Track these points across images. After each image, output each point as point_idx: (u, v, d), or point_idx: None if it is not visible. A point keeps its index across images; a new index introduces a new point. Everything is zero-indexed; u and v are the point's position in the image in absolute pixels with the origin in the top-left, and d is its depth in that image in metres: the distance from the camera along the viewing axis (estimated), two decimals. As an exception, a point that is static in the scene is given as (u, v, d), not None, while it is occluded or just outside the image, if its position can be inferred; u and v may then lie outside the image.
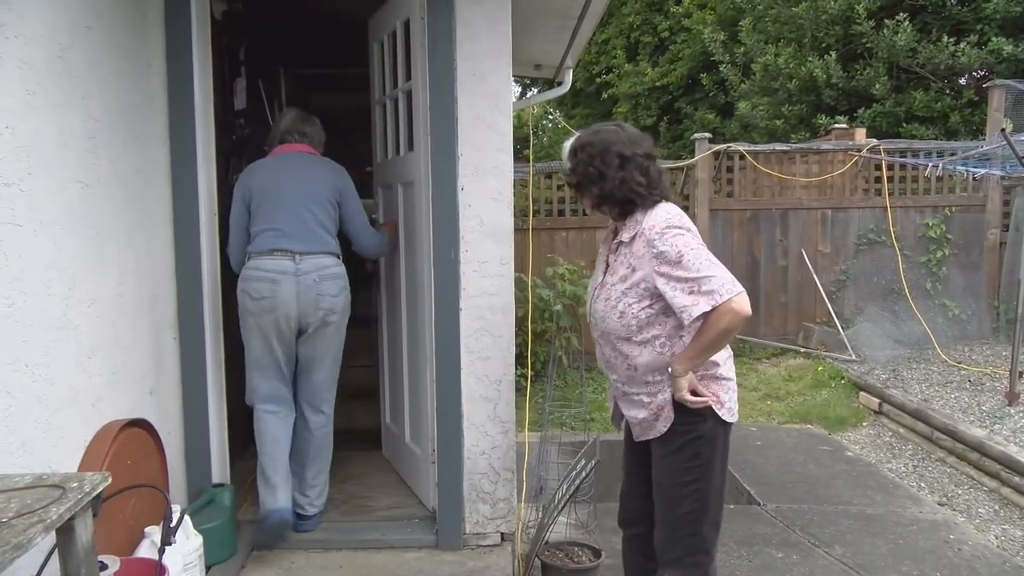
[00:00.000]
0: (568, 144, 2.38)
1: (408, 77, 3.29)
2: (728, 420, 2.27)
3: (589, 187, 2.30)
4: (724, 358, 2.31)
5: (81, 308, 2.35)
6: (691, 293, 2.11)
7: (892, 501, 4.16)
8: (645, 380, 2.29)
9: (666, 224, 2.19)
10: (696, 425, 2.24)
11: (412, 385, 3.54)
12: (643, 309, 2.23)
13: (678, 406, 2.23)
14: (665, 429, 2.28)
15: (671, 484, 2.29)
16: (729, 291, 2.09)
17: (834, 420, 5.80)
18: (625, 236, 2.29)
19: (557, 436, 3.55)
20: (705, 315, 2.11)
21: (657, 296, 2.20)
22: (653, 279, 2.18)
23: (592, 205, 2.36)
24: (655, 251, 2.17)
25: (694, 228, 2.24)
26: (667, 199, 2.31)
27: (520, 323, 3.24)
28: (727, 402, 2.27)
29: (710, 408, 2.23)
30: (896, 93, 9.62)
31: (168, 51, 2.95)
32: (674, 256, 2.13)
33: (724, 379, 2.29)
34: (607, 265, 2.37)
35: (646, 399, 2.30)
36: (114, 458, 2.35)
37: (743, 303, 2.10)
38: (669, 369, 2.22)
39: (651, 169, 2.28)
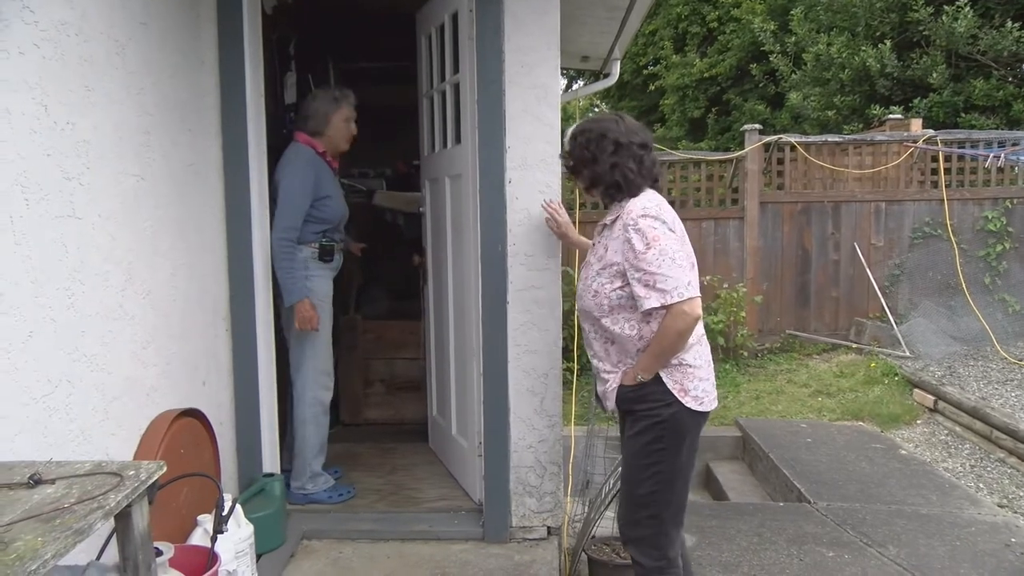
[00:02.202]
0: (570, 131, 2.52)
1: (456, 70, 3.29)
2: (694, 408, 2.31)
3: (582, 169, 2.44)
4: (690, 344, 2.33)
5: (137, 299, 2.40)
6: (646, 286, 2.22)
7: (948, 501, 4.05)
8: (616, 360, 2.39)
9: (642, 212, 2.28)
10: (659, 410, 2.30)
11: (459, 378, 3.55)
12: (614, 290, 2.32)
13: (644, 391, 2.31)
14: (615, 396, 2.40)
15: (632, 464, 2.39)
16: (680, 294, 2.18)
17: (887, 417, 5.66)
18: (608, 219, 2.40)
19: (603, 430, 3.53)
20: (660, 315, 2.23)
21: (627, 278, 2.29)
22: (623, 262, 2.28)
23: (584, 188, 2.49)
24: (627, 235, 2.27)
25: (671, 219, 2.31)
26: (657, 189, 2.42)
27: (566, 317, 3.23)
28: (692, 390, 2.31)
29: (673, 395, 2.29)
30: (954, 82, 9.34)
31: (220, 47, 2.99)
32: (641, 246, 2.22)
33: (689, 366, 2.32)
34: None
35: (612, 379, 2.40)
36: (168, 447, 2.40)
37: (693, 307, 2.19)
38: (637, 374, 2.31)
39: (645, 159, 2.38)
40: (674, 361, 2.30)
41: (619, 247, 2.30)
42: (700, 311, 2.21)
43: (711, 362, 2.43)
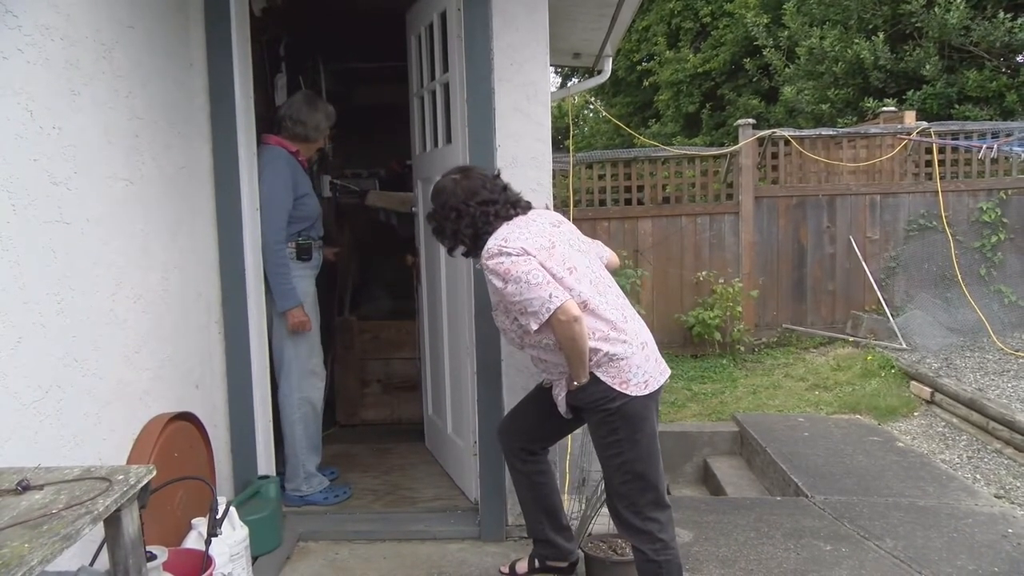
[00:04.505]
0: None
1: (445, 69, 3.28)
2: (638, 394, 2.37)
3: (440, 238, 2.65)
4: (609, 338, 2.38)
5: (128, 303, 2.40)
6: (522, 314, 2.38)
7: (946, 493, 4.05)
8: (555, 372, 2.53)
9: (487, 256, 2.42)
10: (605, 404, 2.39)
11: (453, 377, 3.54)
12: (512, 324, 2.52)
13: (588, 392, 2.40)
14: (565, 402, 2.53)
15: (600, 456, 2.51)
16: (548, 309, 2.29)
17: (884, 410, 5.66)
18: (478, 265, 2.56)
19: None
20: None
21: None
22: (501, 301, 2.49)
23: (448, 250, 2.68)
24: (489, 279, 2.45)
25: (518, 246, 2.39)
26: (509, 218, 2.53)
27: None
28: (632, 379, 2.38)
29: (615, 390, 2.36)
30: (948, 73, 9.33)
31: (208, 49, 2.99)
32: (500, 284, 2.38)
33: (621, 359, 2.38)
34: None
35: (559, 387, 2.56)
36: (161, 450, 2.40)
37: (565, 311, 2.29)
38: (573, 381, 2.44)
39: (478, 218, 2.51)
40: (603, 359, 2.37)
41: (491, 289, 2.50)
42: (575, 311, 2.30)
43: (646, 342, 2.48)
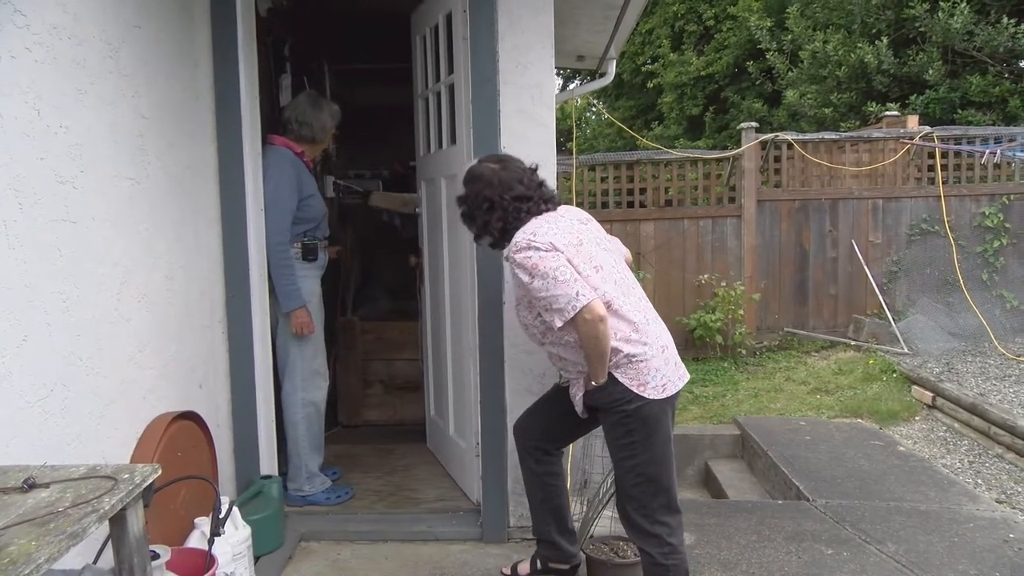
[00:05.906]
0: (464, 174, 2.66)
1: (450, 70, 3.29)
2: (655, 397, 2.36)
3: (468, 223, 2.62)
4: (630, 339, 2.37)
5: (132, 303, 2.40)
6: (547, 310, 2.36)
7: (947, 498, 4.05)
8: (574, 371, 2.52)
9: (515, 248, 2.40)
10: (622, 406, 2.38)
11: (456, 378, 3.55)
12: (535, 320, 2.49)
13: (606, 392, 2.39)
14: (582, 402, 2.51)
15: (613, 457, 2.50)
16: (574, 307, 2.27)
17: (886, 414, 5.66)
18: (504, 258, 2.54)
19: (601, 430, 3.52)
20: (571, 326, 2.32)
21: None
22: (525, 295, 2.45)
23: (474, 238, 2.68)
24: (514, 272, 2.42)
25: (546, 240, 2.37)
26: (539, 214, 2.51)
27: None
28: (651, 382, 2.37)
29: (633, 392, 2.36)
30: (951, 78, 9.33)
31: (214, 49, 2.99)
32: (527, 278, 2.36)
33: (640, 361, 2.37)
34: None
35: (577, 387, 2.54)
36: (165, 450, 2.40)
37: (591, 310, 2.27)
38: (591, 381, 2.42)
39: (509, 213, 2.49)
40: (622, 360, 2.36)
41: (516, 283, 2.46)
42: (601, 310, 2.28)
43: (666, 345, 2.47)
